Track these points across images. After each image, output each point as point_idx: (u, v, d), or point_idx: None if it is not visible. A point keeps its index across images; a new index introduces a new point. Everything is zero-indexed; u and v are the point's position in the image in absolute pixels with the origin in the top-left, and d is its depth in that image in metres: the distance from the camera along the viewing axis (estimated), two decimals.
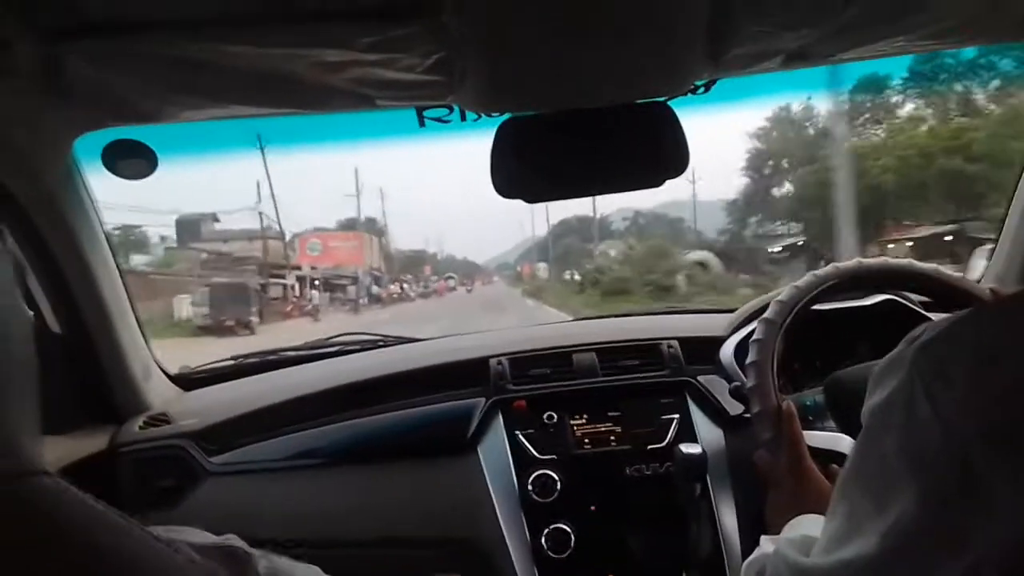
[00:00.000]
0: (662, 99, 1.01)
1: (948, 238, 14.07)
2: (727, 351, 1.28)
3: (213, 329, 15.58)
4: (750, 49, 0.95)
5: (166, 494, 1.30)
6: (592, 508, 1.27)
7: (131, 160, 1.13)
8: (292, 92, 0.98)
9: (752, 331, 1.08)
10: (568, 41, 0.86)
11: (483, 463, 1.30)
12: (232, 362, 1.66)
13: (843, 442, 0.97)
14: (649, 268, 19.88)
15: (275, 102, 1.04)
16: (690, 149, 1.02)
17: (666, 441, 1.30)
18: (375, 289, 28.15)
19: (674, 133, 1.00)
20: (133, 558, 0.40)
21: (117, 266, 1.33)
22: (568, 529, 1.23)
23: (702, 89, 1.04)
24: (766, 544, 0.79)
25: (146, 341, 1.44)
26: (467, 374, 1.42)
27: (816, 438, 0.98)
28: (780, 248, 22.21)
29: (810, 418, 1.04)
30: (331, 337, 1.74)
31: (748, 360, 1.04)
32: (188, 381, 1.57)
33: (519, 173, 1.01)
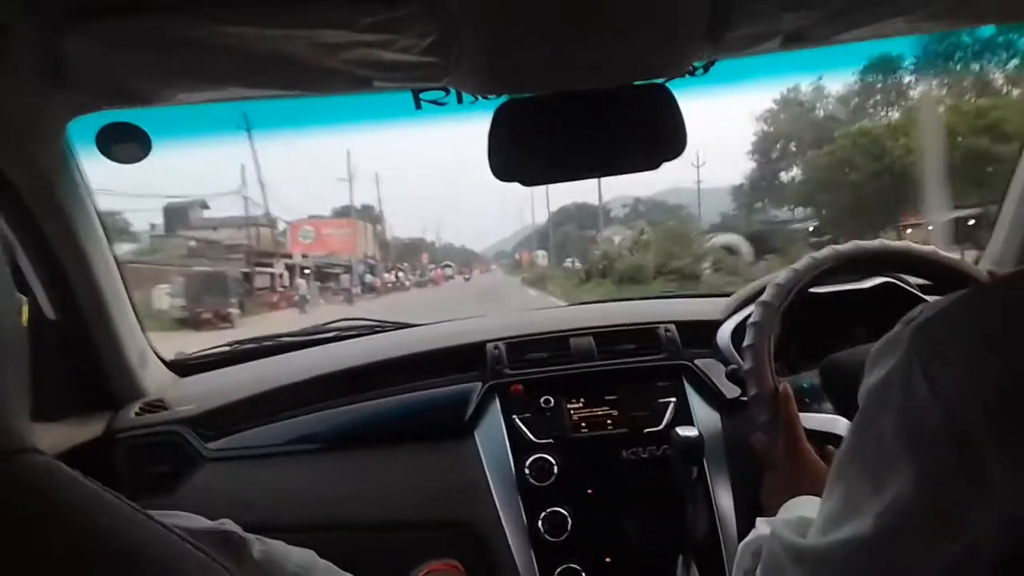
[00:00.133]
0: (660, 81, 1.02)
1: (971, 223, 13.60)
2: (724, 334, 1.29)
3: (189, 322, 14.93)
4: (749, 30, 0.96)
5: (163, 480, 1.32)
6: (589, 492, 1.29)
7: (125, 144, 1.13)
8: (289, 74, 1.00)
9: (749, 314, 1.10)
10: (566, 23, 0.87)
11: (480, 447, 1.32)
12: (228, 348, 1.68)
13: (839, 424, 0.99)
14: (669, 254, 19.18)
15: (272, 84, 1.05)
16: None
17: (663, 424, 1.32)
18: (369, 278, 27.85)
19: (672, 115, 1.02)
20: (132, 540, 0.41)
21: (112, 251, 1.34)
22: (565, 512, 1.25)
23: (701, 71, 1.05)
24: (762, 526, 0.80)
25: (141, 327, 1.45)
26: (464, 359, 1.45)
27: (812, 420, 1.00)
28: (813, 228, 21.37)
29: (807, 400, 1.06)
30: (328, 323, 1.76)
31: (745, 343, 1.05)
32: (184, 367, 1.59)
33: (516, 156, 1.02)
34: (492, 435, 1.33)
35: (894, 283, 1.29)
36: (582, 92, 1.02)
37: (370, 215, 37.98)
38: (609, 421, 1.34)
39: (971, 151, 14.61)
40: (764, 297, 1.08)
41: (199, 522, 0.53)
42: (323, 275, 26.51)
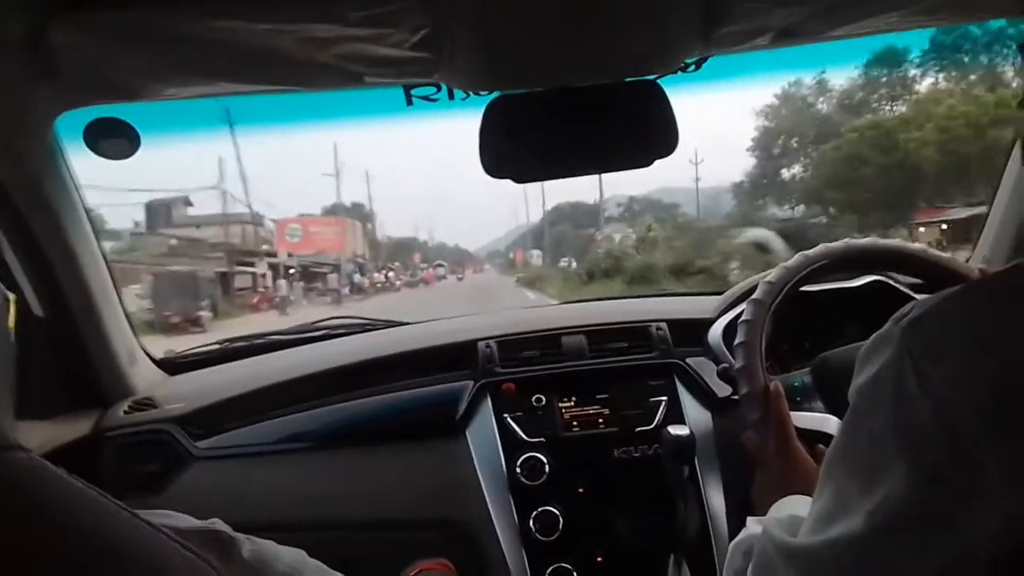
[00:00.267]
0: (652, 77, 1.03)
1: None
2: (715, 333, 1.33)
3: (156, 326, 13.87)
4: (741, 26, 0.97)
5: (151, 479, 1.33)
6: (580, 490, 1.31)
7: (113, 139, 1.14)
8: (279, 69, 1.00)
9: (740, 313, 1.12)
10: (558, 19, 0.89)
11: (471, 446, 1.34)
12: (218, 346, 1.69)
13: (830, 423, 1.01)
14: (688, 253, 18.19)
15: (261, 79, 1.06)
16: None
17: (654, 423, 1.34)
18: (357, 278, 26.93)
19: (664, 112, 1.03)
20: (117, 538, 0.41)
21: (101, 248, 1.35)
22: (556, 511, 1.27)
23: (693, 67, 1.07)
24: (753, 525, 0.81)
25: (130, 324, 1.46)
26: (455, 357, 1.46)
27: (803, 419, 1.02)
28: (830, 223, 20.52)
29: (798, 399, 1.08)
30: (319, 321, 1.77)
31: (736, 341, 1.07)
32: (174, 365, 1.61)
33: (508, 152, 1.03)
34: (483, 434, 1.35)
35: (885, 281, 1.32)
36: (574, 88, 1.03)
37: (360, 213, 37.64)
38: (600, 420, 1.36)
39: (989, 144, 14.12)
40: (756, 295, 1.10)
41: (188, 521, 0.53)
42: (310, 275, 25.80)
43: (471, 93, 1.06)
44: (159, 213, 24.76)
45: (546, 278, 26.55)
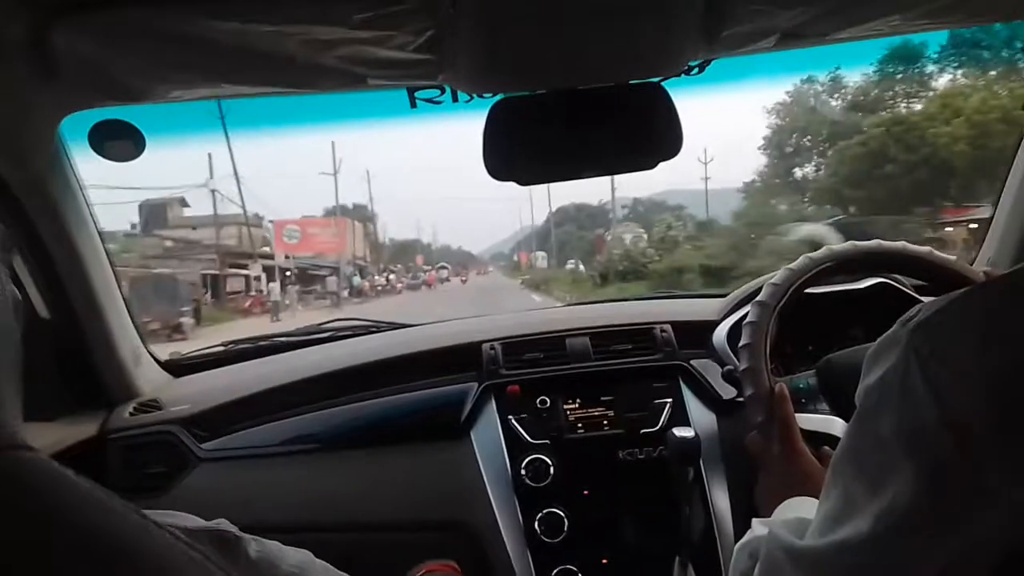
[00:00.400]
0: (656, 80, 1.04)
1: None
2: (720, 335, 1.36)
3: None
4: (745, 28, 0.98)
5: (156, 480, 1.36)
6: (585, 492, 1.32)
7: (118, 141, 1.17)
8: (282, 71, 1.02)
9: (745, 315, 1.13)
10: (561, 20, 0.89)
11: (476, 448, 1.36)
12: (223, 348, 1.73)
13: (835, 425, 1.02)
14: (731, 252, 16.43)
15: (265, 81, 1.07)
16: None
17: (659, 425, 1.36)
18: (357, 280, 26.93)
19: (668, 114, 1.04)
20: (125, 538, 0.41)
21: (105, 250, 1.38)
22: (561, 513, 1.28)
23: (696, 70, 1.08)
24: (758, 527, 0.81)
25: (135, 326, 1.49)
26: (460, 359, 1.48)
27: (808, 421, 1.03)
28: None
29: (803, 401, 1.09)
30: (324, 323, 1.80)
31: (741, 343, 1.08)
32: (179, 367, 1.64)
33: (511, 155, 1.05)
34: (488, 436, 1.37)
35: (890, 283, 1.33)
36: (577, 91, 1.04)
37: (361, 214, 37.35)
38: (605, 422, 1.38)
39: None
40: (760, 297, 1.11)
41: (194, 521, 0.53)
42: (307, 277, 25.59)
43: (475, 95, 1.07)
44: (154, 214, 24.64)
45: (553, 280, 25.93)
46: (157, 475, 1.37)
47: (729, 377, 1.25)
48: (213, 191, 22.53)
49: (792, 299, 1.11)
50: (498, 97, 1.04)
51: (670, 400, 1.39)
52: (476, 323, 1.78)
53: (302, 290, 23.91)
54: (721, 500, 1.30)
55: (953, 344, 0.47)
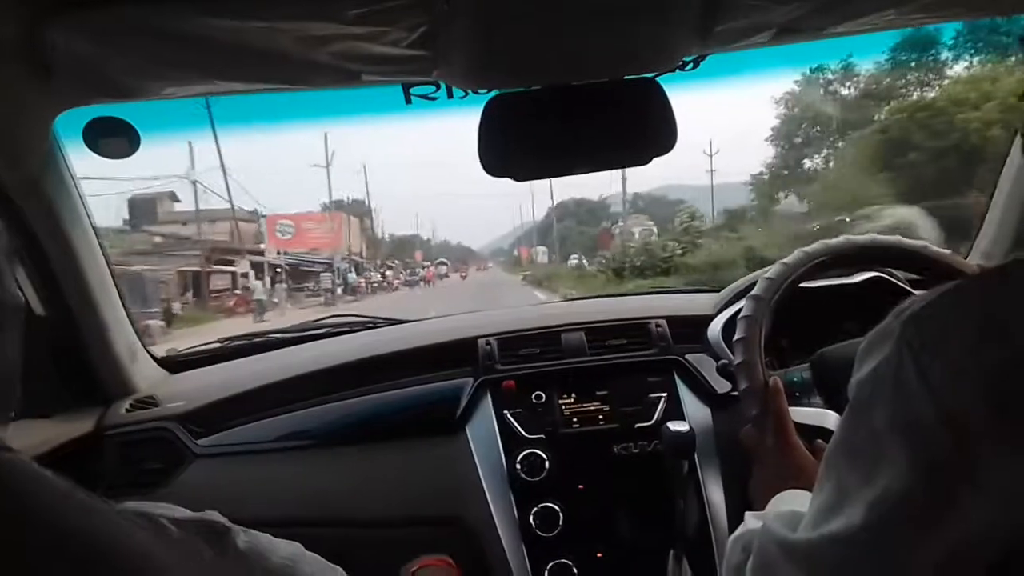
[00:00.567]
0: (651, 75, 1.06)
1: None
2: (715, 329, 1.38)
3: None
4: (740, 23, 1.00)
5: (152, 477, 1.38)
6: (580, 487, 1.35)
7: (113, 139, 1.18)
8: (276, 67, 1.03)
9: (740, 309, 1.15)
10: (555, 16, 0.91)
11: (471, 443, 1.38)
12: (219, 344, 1.76)
13: (829, 418, 1.04)
14: (787, 243, 15.09)
15: (260, 77, 1.09)
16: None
17: (654, 420, 1.38)
18: (352, 277, 26.51)
19: (662, 110, 1.06)
20: (103, 537, 0.42)
21: (101, 246, 1.39)
22: (556, 508, 1.31)
23: (691, 65, 1.10)
24: (751, 520, 0.83)
25: (132, 323, 1.51)
26: (455, 355, 1.51)
27: (802, 414, 1.05)
28: None
29: (797, 394, 1.11)
30: (319, 319, 1.83)
31: (736, 336, 1.10)
32: (175, 363, 1.66)
33: (506, 150, 1.07)
34: (483, 431, 1.39)
35: (884, 277, 1.35)
36: (572, 87, 1.06)
37: (358, 209, 36.94)
38: (600, 416, 1.40)
39: None
40: (755, 291, 1.13)
41: (183, 512, 0.55)
42: (300, 274, 25.13)
43: (469, 91, 1.09)
44: (143, 208, 24.34)
45: (556, 276, 25.15)
46: (153, 471, 1.39)
47: (724, 371, 1.28)
48: (194, 182, 21.93)
49: (787, 293, 1.13)
50: (493, 93, 1.06)
51: (665, 394, 1.42)
52: (471, 319, 1.80)
53: (294, 287, 23.43)
54: (716, 494, 1.33)
55: (947, 337, 0.48)
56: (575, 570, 1.31)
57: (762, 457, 1.02)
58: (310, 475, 1.42)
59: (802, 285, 1.17)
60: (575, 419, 1.41)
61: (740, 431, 1.08)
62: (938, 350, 0.48)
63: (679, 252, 17.80)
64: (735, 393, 1.10)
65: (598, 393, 1.44)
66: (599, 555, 1.33)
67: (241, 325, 14.53)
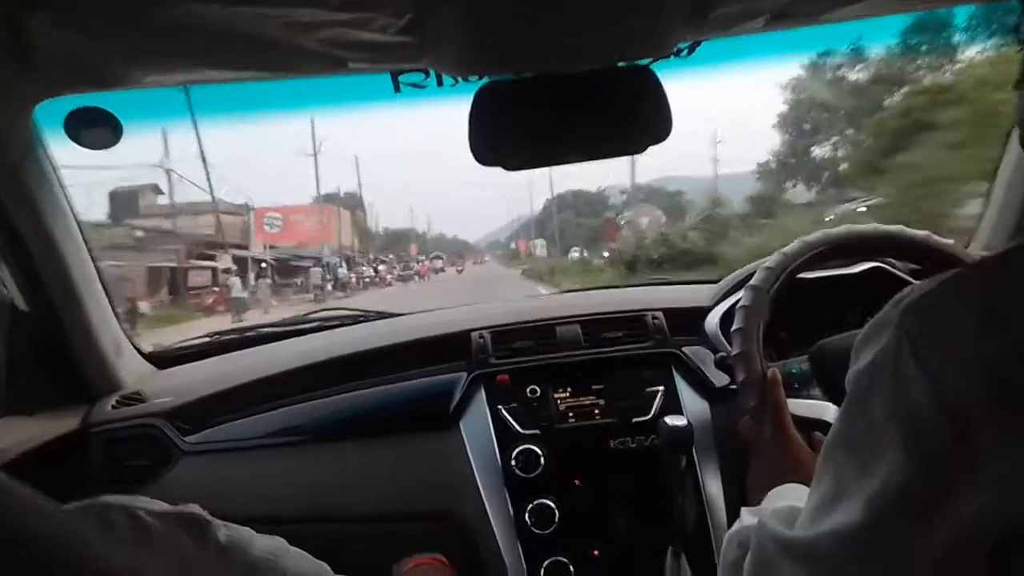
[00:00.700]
0: (644, 62, 1.07)
1: None
2: (712, 321, 1.40)
3: None
4: (733, 9, 1.01)
5: (139, 474, 1.39)
6: (576, 483, 1.36)
7: (95, 129, 1.19)
8: (262, 55, 1.04)
9: (738, 300, 1.17)
10: (547, 2, 0.92)
11: (465, 438, 1.40)
12: (208, 339, 1.77)
13: (828, 410, 1.05)
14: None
15: (244, 65, 1.10)
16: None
17: (651, 414, 1.40)
18: (343, 272, 25.92)
19: (657, 98, 1.07)
20: (63, 545, 0.41)
21: (85, 239, 1.40)
22: (552, 504, 1.32)
23: (685, 52, 1.11)
24: (747, 516, 0.84)
25: (117, 317, 1.52)
26: (449, 348, 1.52)
27: (801, 406, 1.06)
28: None
29: (795, 386, 1.12)
30: (310, 312, 1.85)
31: (734, 327, 1.12)
32: (162, 359, 1.68)
33: (497, 139, 1.08)
34: (477, 426, 1.41)
35: (884, 268, 1.36)
36: (564, 74, 1.07)
37: (350, 201, 36.56)
38: (596, 411, 1.42)
39: None
40: (753, 281, 1.15)
41: (161, 506, 0.55)
42: (288, 270, 24.91)
43: (460, 79, 1.09)
44: (125, 201, 24.08)
45: (559, 270, 24.29)
46: (140, 469, 1.40)
47: (722, 364, 1.29)
48: (168, 171, 21.42)
49: (786, 283, 1.15)
50: (483, 80, 1.07)
51: (662, 388, 1.43)
52: (465, 312, 1.81)
53: (281, 283, 22.96)
54: (714, 489, 1.34)
55: (944, 324, 0.49)
56: (571, 568, 1.32)
57: (759, 449, 1.04)
58: (300, 471, 1.43)
59: (801, 275, 1.19)
60: (571, 414, 1.43)
61: (738, 423, 1.10)
62: (938, 339, 0.48)
63: (701, 242, 16.83)
64: (733, 386, 1.12)
65: (594, 387, 1.45)
66: (596, 552, 1.34)
67: (219, 324, 14.29)
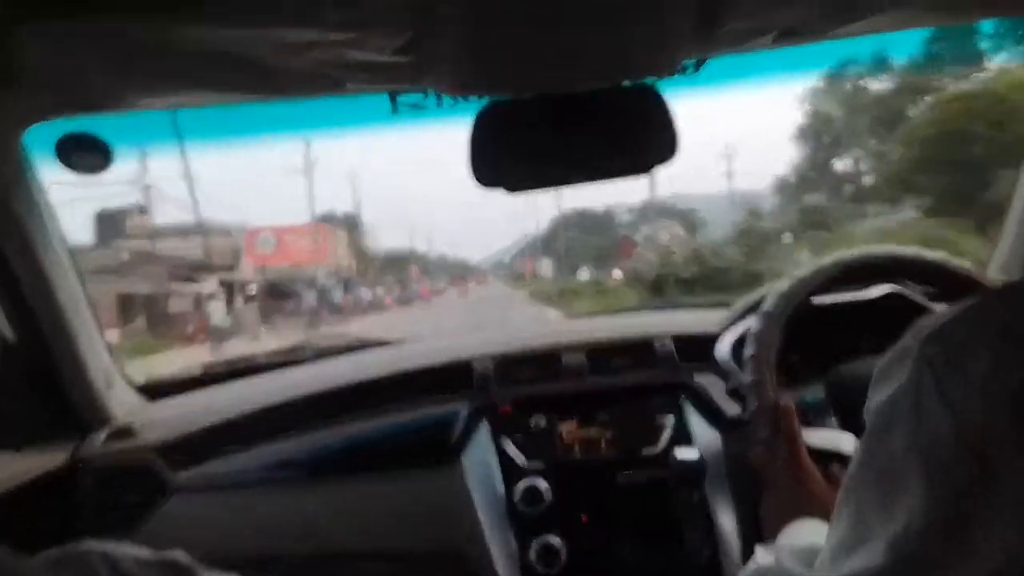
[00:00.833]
0: (649, 81, 1.08)
1: None
2: (723, 348, 1.38)
3: None
4: (741, 26, 1.02)
5: (130, 512, 1.39)
6: (583, 518, 1.36)
7: (87, 153, 1.22)
8: (257, 76, 1.05)
9: (749, 327, 1.17)
10: (550, 20, 0.92)
11: (467, 472, 1.39)
12: (201, 370, 1.78)
13: (844, 441, 1.05)
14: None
15: (238, 87, 1.11)
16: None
17: (660, 446, 1.39)
18: (338, 296, 26.09)
19: (662, 117, 1.08)
20: None
21: (75, 267, 1.42)
22: (558, 542, 1.32)
23: (691, 69, 1.12)
24: (763, 555, 0.84)
25: (107, 347, 1.53)
26: (450, 378, 1.52)
27: (816, 437, 1.06)
28: None
29: (810, 416, 1.13)
30: (305, 341, 1.86)
31: (746, 354, 1.12)
32: (154, 390, 1.68)
33: (499, 161, 1.09)
34: (480, 459, 1.40)
35: (901, 291, 1.36)
36: (567, 94, 1.08)
37: (347, 221, 36.37)
38: (603, 443, 1.41)
39: None
40: (766, 307, 1.15)
41: (145, 553, 0.56)
42: (280, 293, 24.21)
43: (460, 100, 1.10)
44: (111, 223, 24.05)
45: (572, 292, 23.32)
46: (131, 506, 1.40)
47: (733, 392, 1.28)
48: (147, 187, 20.93)
49: (799, 309, 1.15)
50: (484, 101, 1.08)
51: (672, 418, 1.43)
52: (466, 339, 1.82)
53: (271, 308, 22.47)
54: (727, 524, 1.33)
55: (969, 355, 0.48)
56: None
57: (773, 482, 1.04)
58: (296, 508, 1.43)
59: (815, 301, 1.19)
60: (577, 446, 1.42)
61: (751, 454, 1.10)
62: (961, 369, 0.48)
63: (740, 259, 15.89)
64: (745, 416, 1.12)
65: (601, 418, 1.45)
66: None
67: (198, 355, 14.14)
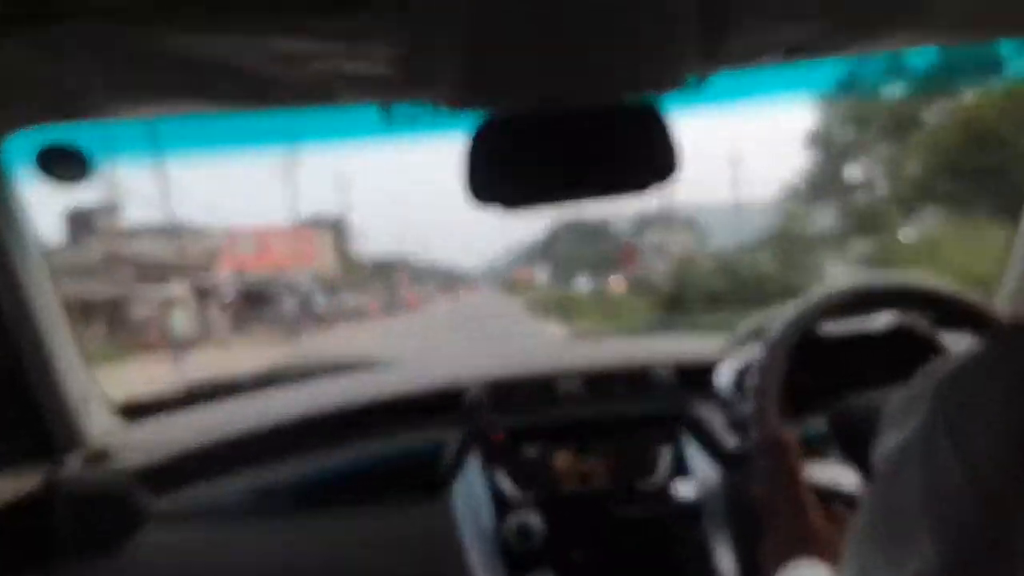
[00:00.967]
0: (651, 97, 1.10)
1: None
2: (724, 377, 1.38)
3: None
4: (747, 43, 1.03)
5: (105, 539, 1.39)
6: (577, 555, 1.36)
7: (64, 162, 1.23)
8: (245, 87, 1.06)
9: (751, 355, 1.18)
10: (547, 33, 0.93)
11: (457, 505, 1.39)
12: (183, 390, 1.76)
13: (848, 477, 1.06)
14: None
15: (226, 97, 1.11)
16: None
17: (658, 479, 1.40)
18: (321, 302, 25.71)
19: (663, 134, 1.09)
20: None
21: (51, 282, 1.41)
22: None
23: (695, 84, 1.13)
24: None
25: (85, 366, 1.52)
26: (440, 404, 1.51)
27: (819, 473, 1.07)
28: None
29: (813, 450, 1.13)
30: (293, 361, 1.90)
31: (748, 384, 1.13)
32: (133, 411, 1.66)
33: (495, 177, 1.10)
34: (470, 491, 1.40)
35: (908, 322, 1.36)
36: (566, 109, 1.09)
37: (336, 224, 36.63)
38: (599, 475, 1.41)
39: None
40: (771, 336, 1.15)
41: None
42: (257, 299, 23.60)
43: (455, 113, 1.12)
44: (82, 223, 23.89)
45: (573, 303, 22.26)
46: (106, 533, 1.40)
47: (735, 423, 1.30)
48: (114, 184, 20.36)
49: (804, 338, 1.16)
50: (480, 115, 1.09)
51: (670, 450, 1.43)
52: (457, 363, 1.82)
53: (245, 315, 22.22)
54: (725, 562, 1.33)
55: (983, 400, 0.48)
56: None
57: (773, 519, 1.04)
58: (276, 540, 1.42)
59: (820, 330, 1.21)
60: (571, 478, 1.42)
61: (751, 488, 1.11)
62: (975, 416, 0.48)
63: (776, 269, 14.46)
64: (746, 450, 1.13)
65: (596, 448, 1.45)
66: None
67: (158, 366, 13.90)
